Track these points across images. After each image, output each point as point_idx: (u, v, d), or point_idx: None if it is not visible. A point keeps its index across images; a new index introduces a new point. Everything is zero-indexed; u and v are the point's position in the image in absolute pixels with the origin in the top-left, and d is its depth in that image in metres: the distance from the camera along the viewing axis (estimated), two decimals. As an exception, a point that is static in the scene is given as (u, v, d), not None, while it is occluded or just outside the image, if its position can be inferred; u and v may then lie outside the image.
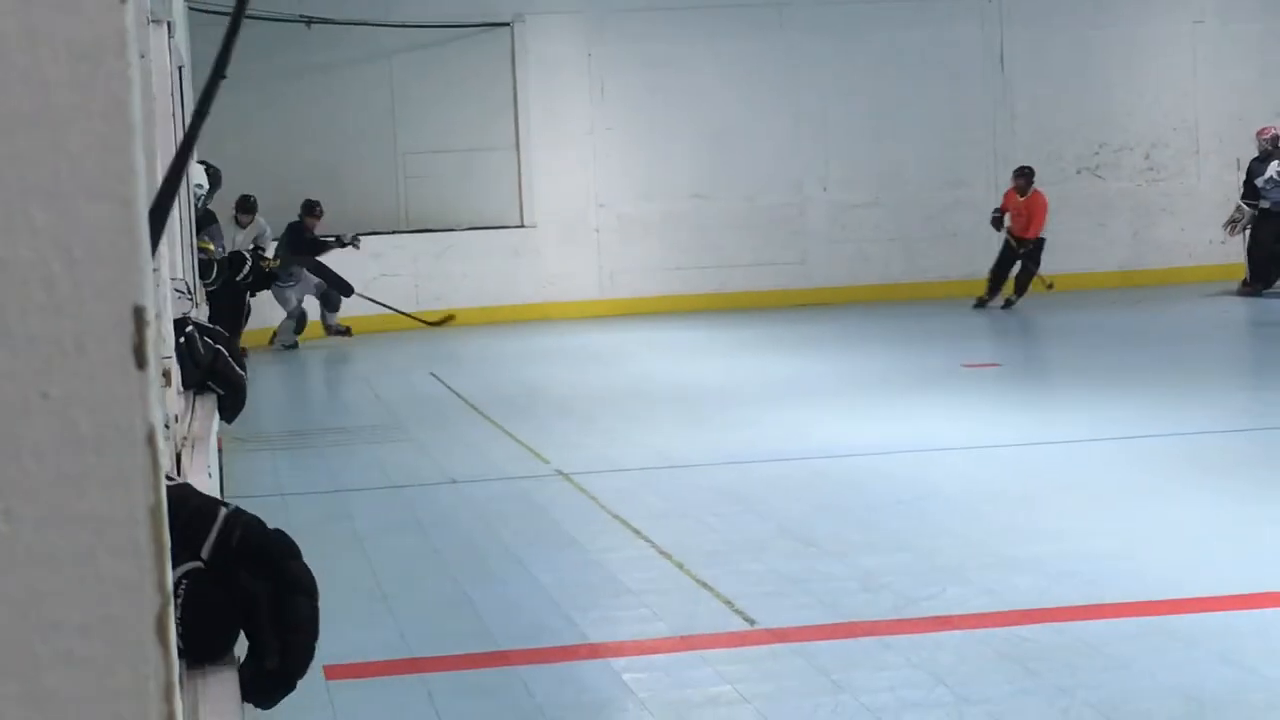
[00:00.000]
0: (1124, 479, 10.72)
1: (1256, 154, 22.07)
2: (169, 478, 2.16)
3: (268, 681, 2.04)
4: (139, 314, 0.93)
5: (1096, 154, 24.60)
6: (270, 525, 2.19)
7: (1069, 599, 7.74)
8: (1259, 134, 22.03)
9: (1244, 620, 7.36)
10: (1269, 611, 7.49)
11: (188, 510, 2.08)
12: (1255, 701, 6.25)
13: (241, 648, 2.12)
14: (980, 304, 21.90)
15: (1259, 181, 21.77)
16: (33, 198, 0.93)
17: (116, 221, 0.94)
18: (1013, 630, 7.25)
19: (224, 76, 1.81)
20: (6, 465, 0.92)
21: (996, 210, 22.28)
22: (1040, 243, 22.07)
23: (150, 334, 0.92)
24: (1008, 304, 21.95)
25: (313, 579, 2.08)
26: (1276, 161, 21.66)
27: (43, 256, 0.93)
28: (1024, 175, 22.23)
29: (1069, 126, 24.47)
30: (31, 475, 0.93)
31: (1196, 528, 9.17)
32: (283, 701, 2.13)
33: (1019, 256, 22.04)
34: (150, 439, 0.92)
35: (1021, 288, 22.09)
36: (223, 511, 2.08)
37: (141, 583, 0.91)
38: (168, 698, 0.95)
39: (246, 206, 19.39)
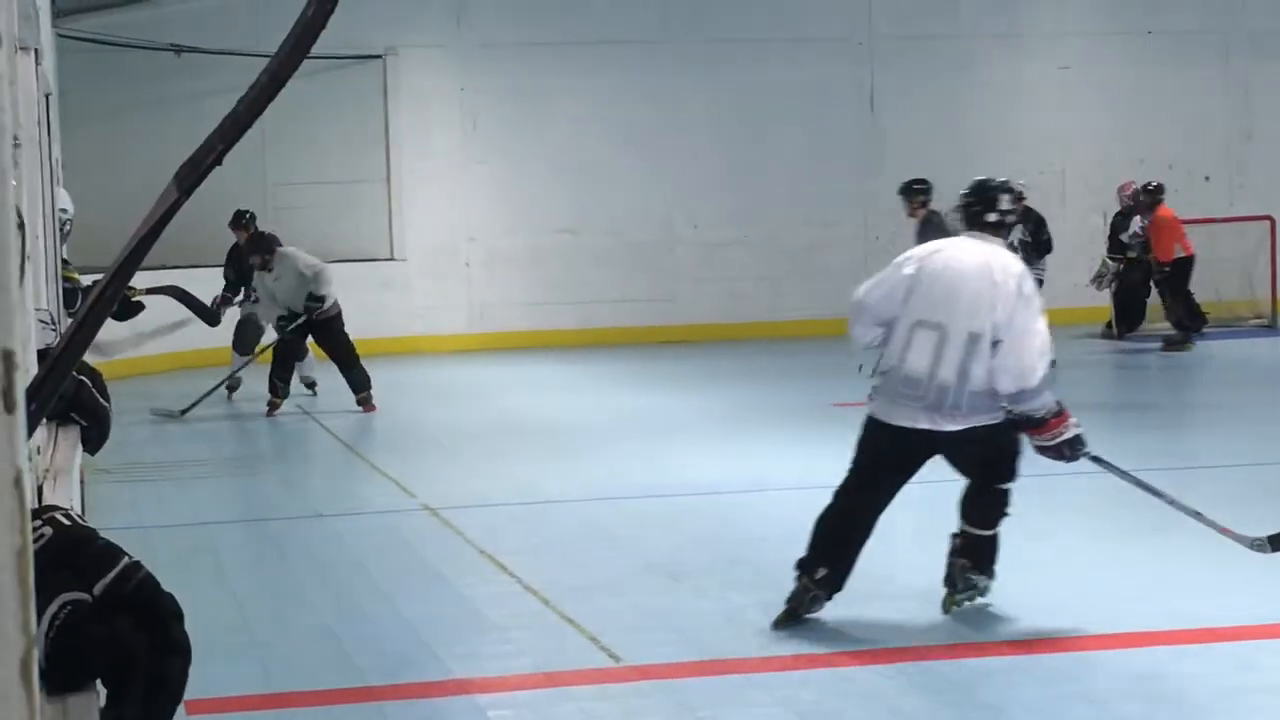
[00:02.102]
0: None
1: (1119, 209, 22.34)
2: (77, 518, 2.16)
3: None
4: (7, 358, 0.92)
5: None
6: (132, 558, 2.18)
7: (932, 637, 7.80)
8: (1120, 190, 22.28)
9: (1102, 659, 7.45)
10: (1125, 651, 7.57)
11: (92, 549, 2.09)
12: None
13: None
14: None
15: (1124, 236, 22.02)
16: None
17: (-16, 260, 0.94)
18: (877, 668, 7.29)
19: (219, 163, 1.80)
20: None
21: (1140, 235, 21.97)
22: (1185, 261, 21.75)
23: (19, 378, 0.92)
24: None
25: (189, 645, 2.08)
26: (1139, 215, 21.93)
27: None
28: (1148, 192, 21.91)
29: (938, 168, 24.62)
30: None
31: (1058, 568, 9.27)
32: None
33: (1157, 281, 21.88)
34: (17, 482, 0.91)
35: (1172, 314, 21.63)
36: (125, 560, 2.09)
37: (5, 625, 0.90)
38: (30, 739, 0.94)
39: (263, 245, 17.13)
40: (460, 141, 23.49)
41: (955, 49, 24.62)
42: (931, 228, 16.13)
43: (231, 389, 17.83)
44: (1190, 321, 21.32)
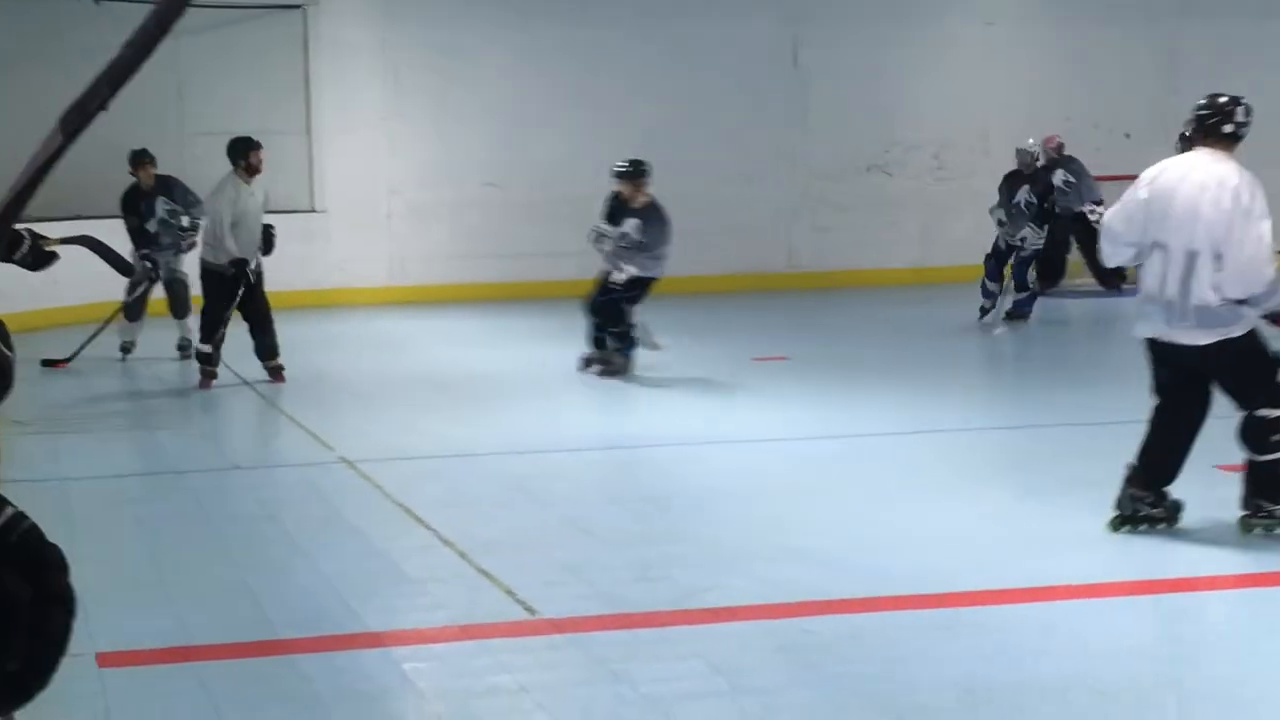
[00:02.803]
0: (907, 473, 10.85)
1: (1043, 163, 22.34)
2: None
3: (4, 689, 1.99)
4: None
5: (887, 152, 24.86)
6: (49, 511, 2.15)
7: (848, 591, 7.82)
8: (1045, 143, 22.29)
9: (1019, 613, 7.49)
10: (1042, 605, 7.62)
11: None
12: (1028, 691, 6.35)
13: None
14: None
15: (1047, 191, 22.05)
16: None
17: None
18: (791, 622, 7.31)
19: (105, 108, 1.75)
20: None
21: None
22: None
23: None
24: None
25: (74, 598, 2.04)
26: (1062, 170, 21.97)
27: None
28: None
29: (861, 124, 24.69)
30: None
31: (976, 522, 9.30)
32: (54, 689, 2.08)
33: None
34: None
35: None
36: (9, 511, 2.04)
37: None
38: None
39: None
40: (382, 93, 23.34)
41: (880, 5, 24.60)
42: (654, 210, 15.52)
43: (126, 350, 17.25)
44: None
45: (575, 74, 23.70)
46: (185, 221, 17.18)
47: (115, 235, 17.05)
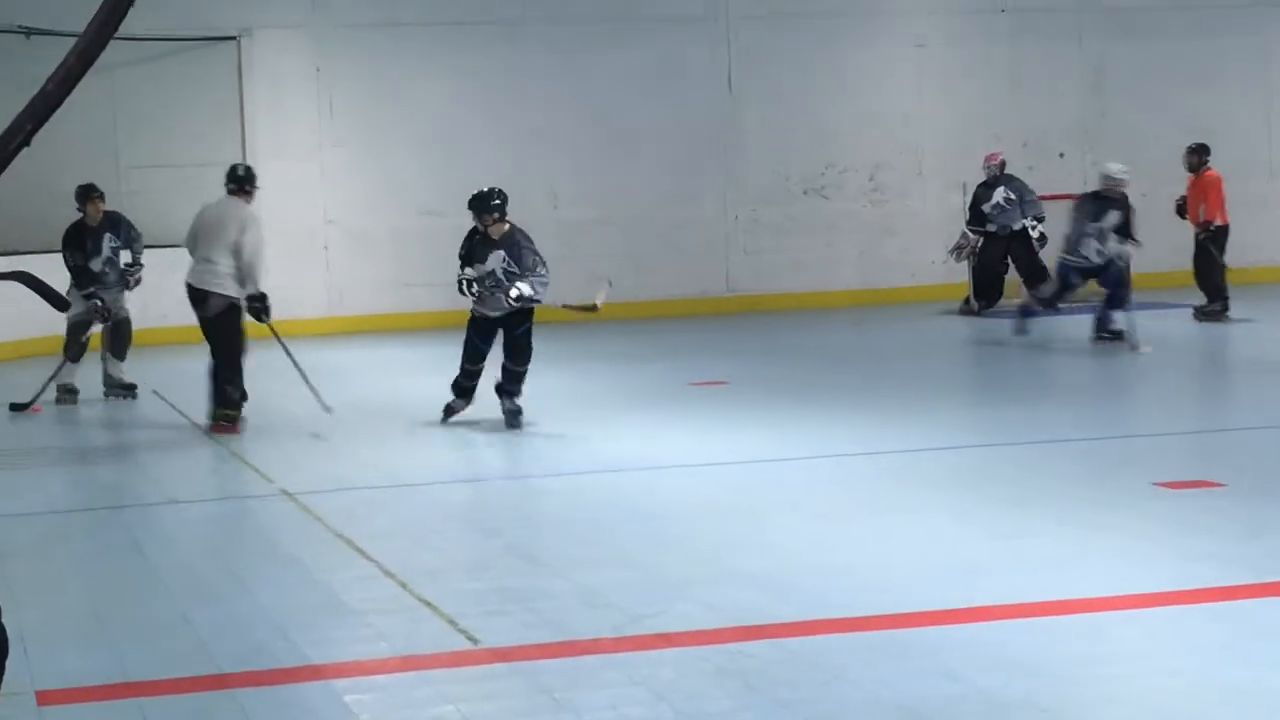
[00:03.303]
0: (848, 495, 10.87)
1: (984, 179, 22.46)
2: None
3: None
4: None
5: (823, 175, 24.92)
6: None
7: (790, 614, 7.81)
8: (988, 159, 22.42)
9: (958, 633, 7.49)
10: (982, 625, 7.63)
11: None
12: (968, 711, 6.36)
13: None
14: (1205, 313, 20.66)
15: (986, 207, 22.12)
16: None
17: None
18: (734, 646, 7.30)
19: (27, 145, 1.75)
20: None
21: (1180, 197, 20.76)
22: (1220, 230, 20.39)
23: None
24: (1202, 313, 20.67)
25: (7, 639, 2.03)
26: (1003, 187, 22.09)
27: None
28: (1193, 151, 20.50)
29: (796, 147, 24.76)
30: None
31: (916, 542, 9.32)
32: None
33: (1198, 246, 20.58)
34: None
35: (1204, 283, 20.70)
36: None
37: None
38: None
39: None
40: (317, 123, 23.29)
41: (811, 27, 24.67)
42: (515, 236, 14.23)
43: (72, 393, 16.65)
44: (1220, 293, 20.60)
45: (510, 101, 23.71)
46: (127, 258, 17.01)
47: (53, 271, 16.87)
